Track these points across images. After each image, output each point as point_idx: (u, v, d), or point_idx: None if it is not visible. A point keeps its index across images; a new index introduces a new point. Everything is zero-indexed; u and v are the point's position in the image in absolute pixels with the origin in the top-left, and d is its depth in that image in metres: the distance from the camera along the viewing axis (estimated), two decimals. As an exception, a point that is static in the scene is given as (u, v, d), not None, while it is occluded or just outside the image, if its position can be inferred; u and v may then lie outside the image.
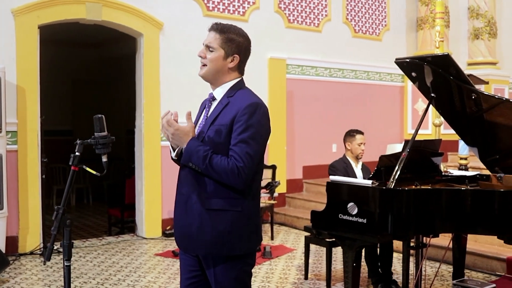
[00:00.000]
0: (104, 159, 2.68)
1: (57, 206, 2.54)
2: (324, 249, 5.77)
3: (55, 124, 11.47)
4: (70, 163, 2.58)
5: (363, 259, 5.10)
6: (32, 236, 6.89)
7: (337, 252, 6.64)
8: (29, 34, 6.93)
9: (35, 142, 6.94)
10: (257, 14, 8.92)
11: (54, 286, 5.59)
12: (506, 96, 10.29)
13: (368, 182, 4.28)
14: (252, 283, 2.90)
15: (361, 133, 5.87)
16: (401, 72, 10.56)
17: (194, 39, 8.02)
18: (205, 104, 2.92)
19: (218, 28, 2.79)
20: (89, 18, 7.35)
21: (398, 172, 4.18)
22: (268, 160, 8.55)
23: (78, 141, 2.62)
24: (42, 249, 6.77)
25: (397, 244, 5.94)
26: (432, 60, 4.28)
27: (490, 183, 4.91)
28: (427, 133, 10.09)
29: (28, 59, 6.91)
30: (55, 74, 11.18)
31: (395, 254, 5.80)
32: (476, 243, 6.33)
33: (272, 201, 7.92)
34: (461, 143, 7.40)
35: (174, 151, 2.83)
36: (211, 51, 2.77)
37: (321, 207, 8.31)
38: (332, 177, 4.60)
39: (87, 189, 11.72)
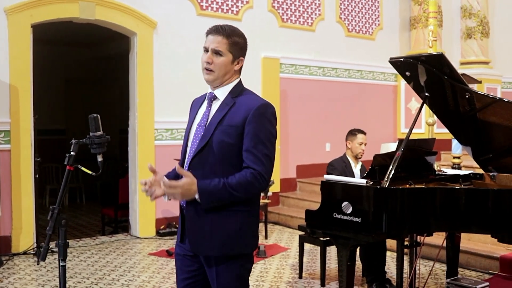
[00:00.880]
0: (100, 158, 2.67)
1: (52, 206, 2.53)
2: (318, 248, 5.78)
3: (48, 123, 11.43)
4: (66, 163, 2.57)
5: (357, 258, 5.13)
6: (25, 236, 6.87)
7: (331, 251, 6.65)
8: (22, 33, 6.90)
9: (28, 142, 6.91)
10: (250, 13, 8.92)
11: (48, 286, 5.57)
12: (499, 95, 10.32)
13: (363, 181, 4.28)
14: (247, 282, 2.91)
15: (363, 133, 5.88)
16: (394, 71, 10.61)
17: (187, 38, 8.03)
18: (200, 103, 2.91)
19: (225, 32, 2.74)
20: (83, 17, 7.33)
21: (393, 171, 4.19)
22: (262, 159, 8.53)
23: (73, 141, 2.60)
24: (35, 249, 6.75)
25: (391, 243, 5.96)
26: (426, 59, 4.29)
27: (484, 182, 4.93)
28: (420, 132, 10.12)
29: (21, 58, 6.88)
30: (48, 73, 11.16)
31: (388, 253, 5.82)
32: (470, 241, 6.35)
33: (266, 200, 7.92)
34: (454, 142, 7.42)
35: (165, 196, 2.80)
36: (219, 56, 2.73)
37: (315, 206, 8.32)
38: (327, 176, 4.61)
39: (80, 189, 11.69)
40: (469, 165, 7.81)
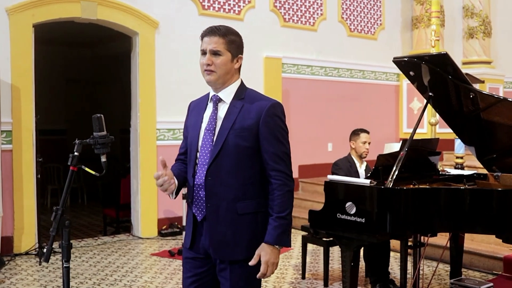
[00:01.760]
0: (103, 159, 2.66)
1: (56, 207, 2.51)
2: (321, 248, 5.76)
3: (49, 123, 11.40)
4: (69, 163, 2.55)
5: (361, 258, 5.11)
6: (27, 237, 6.86)
7: (334, 251, 6.62)
8: (24, 33, 6.88)
9: (30, 142, 6.89)
10: (252, 13, 8.91)
11: (50, 286, 5.55)
12: (501, 95, 10.30)
13: (366, 182, 4.27)
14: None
15: (367, 132, 5.86)
16: (396, 71, 10.69)
17: (189, 38, 8.00)
18: (200, 106, 2.87)
19: (220, 31, 2.73)
20: (84, 17, 7.31)
21: (396, 172, 4.17)
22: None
23: (76, 141, 2.58)
24: (37, 249, 6.73)
25: (394, 243, 5.94)
26: (430, 59, 4.27)
27: (488, 182, 4.91)
28: (422, 132, 10.09)
29: (23, 58, 6.86)
30: (48, 73, 11.13)
31: (392, 253, 5.79)
32: (473, 242, 6.33)
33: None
34: (457, 142, 7.40)
35: (172, 193, 2.82)
36: (218, 56, 2.71)
37: (317, 206, 8.32)
38: (330, 176, 4.59)
39: (81, 189, 11.68)
40: (472, 165, 7.79)
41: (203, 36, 2.76)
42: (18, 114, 6.81)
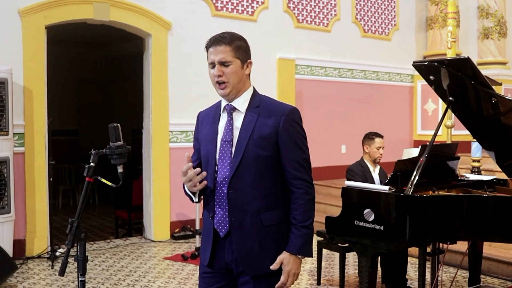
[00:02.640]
0: (120, 169, 2.58)
1: (71, 219, 2.44)
2: (335, 253, 5.68)
3: (61, 124, 11.40)
4: (85, 174, 2.48)
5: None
6: (39, 240, 6.81)
7: (349, 255, 6.53)
8: (36, 35, 6.84)
9: (42, 144, 6.85)
10: (266, 14, 8.82)
11: (62, 291, 5.51)
12: (517, 96, 10.16)
13: (385, 188, 4.19)
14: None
15: (381, 136, 5.76)
16: (410, 72, 10.58)
17: (202, 39, 7.81)
18: (212, 117, 2.77)
19: (225, 39, 2.62)
20: (97, 18, 7.26)
21: (417, 178, 4.08)
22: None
23: (92, 151, 2.51)
24: (49, 252, 6.68)
25: (412, 249, 5.84)
26: (451, 63, 4.17)
27: (508, 188, 4.80)
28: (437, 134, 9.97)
29: (35, 60, 6.82)
30: (60, 74, 11.10)
31: (409, 259, 5.70)
32: (491, 247, 6.22)
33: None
34: (474, 145, 7.27)
35: (194, 196, 2.71)
36: (228, 65, 2.61)
37: (331, 209, 8.29)
38: (348, 182, 4.51)
39: (93, 190, 11.63)
40: (489, 169, 7.68)
41: (208, 47, 2.65)
42: (31, 117, 6.77)
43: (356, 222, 4.22)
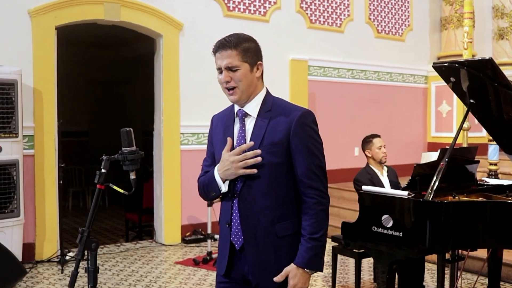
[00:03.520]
0: (132, 176, 2.47)
1: (81, 228, 2.33)
2: (350, 258, 5.55)
3: (71, 125, 11.34)
4: (96, 181, 2.37)
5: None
6: (49, 243, 6.72)
7: (363, 261, 6.38)
8: (46, 36, 6.75)
9: (52, 146, 6.76)
10: (278, 14, 8.70)
11: (72, 297, 5.40)
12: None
13: (404, 193, 4.05)
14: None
15: (378, 136, 5.62)
16: (424, 73, 10.43)
17: (214, 39, 7.72)
18: (225, 120, 2.66)
19: (230, 43, 2.49)
20: (107, 19, 7.16)
21: (437, 183, 3.95)
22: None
23: (104, 157, 2.40)
24: (59, 256, 6.58)
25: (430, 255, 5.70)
26: (472, 64, 4.03)
27: (531, 193, 4.66)
28: (452, 136, 9.82)
29: (45, 61, 6.73)
30: (70, 75, 11.06)
31: (426, 264, 5.56)
32: (510, 253, 6.06)
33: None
34: (491, 148, 7.13)
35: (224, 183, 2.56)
36: (235, 71, 2.49)
37: (344, 212, 8.17)
38: (365, 187, 4.38)
39: (103, 191, 11.46)
40: (506, 172, 7.53)
41: (214, 52, 2.55)
42: (41, 118, 6.68)
43: (374, 228, 4.09)
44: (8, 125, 5.98)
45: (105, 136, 11.33)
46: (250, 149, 2.48)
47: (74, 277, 2.32)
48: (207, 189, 2.62)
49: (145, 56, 9.12)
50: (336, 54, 9.41)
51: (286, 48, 8.73)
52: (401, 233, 3.90)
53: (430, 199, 3.90)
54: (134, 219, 8.32)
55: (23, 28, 6.61)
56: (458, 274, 4.77)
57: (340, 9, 9.47)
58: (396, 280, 5.37)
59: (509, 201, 3.91)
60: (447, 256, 4.78)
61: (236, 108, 2.62)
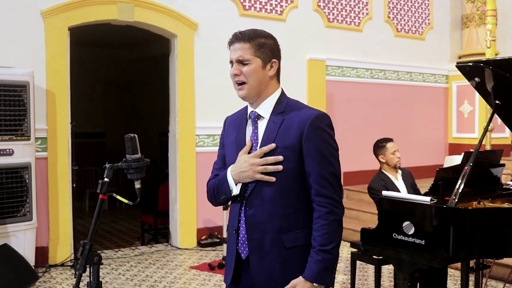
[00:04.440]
0: (137, 185, 2.33)
1: (83, 241, 2.19)
2: (369, 264, 5.38)
3: (88, 126, 11.28)
4: (98, 191, 2.23)
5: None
6: (62, 247, 6.62)
7: (383, 268, 6.20)
8: (59, 37, 6.65)
9: (66, 149, 6.66)
10: (295, 13, 8.53)
11: (84, 303, 5.29)
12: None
13: (426, 199, 3.87)
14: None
15: (391, 140, 5.41)
16: (445, 72, 10.19)
17: (230, 40, 7.67)
18: (239, 122, 2.53)
19: (245, 36, 2.38)
20: (121, 19, 7.05)
21: (461, 188, 3.77)
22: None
23: (107, 165, 2.26)
24: (73, 260, 6.49)
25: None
26: (498, 64, 3.85)
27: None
28: (473, 136, 9.61)
29: (58, 63, 6.63)
30: (86, 76, 11.02)
31: (448, 271, 5.37)
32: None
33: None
34: (516, 150, 6.91)
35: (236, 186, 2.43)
36: (246, 64, 2.37)
37: (363, 216, 7.99)
38: (385, 192, 4.20)
39: (120, 193, 11.38)
40: (531, 174, 7.29)
41: (229, 44, 2.43)
42: (53, 121, 6.58)
43: (395, 235, 3.92)
44: (20, 127, 5.89)
45: (122, 136, 11.21)
46: (270, 153, 2.34)
47: (76, 292, 2.18)
48: (217, 191, 2.49)
49: (160, 56, 9.00)
50: (355, 53, 9.22)
51: (303, 47, 8.56)
52: (423, 241, 3.73)
53: (453, 205, 3.72)
54: (150, 221, 8.22)
55: (35, 29, 6.51)
56: (483, 282, 4.57)
57: (359, 7, 9.28)
58: None
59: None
60: (471, 263, 4.59)
61: (249, 109, 2.49)
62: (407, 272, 3.95)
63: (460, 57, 10.20)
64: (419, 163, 9.35)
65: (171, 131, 7.67)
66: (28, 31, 6.47)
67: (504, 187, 4.68)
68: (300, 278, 2.31)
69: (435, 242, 3.69)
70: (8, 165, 5.79)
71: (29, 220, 5.98)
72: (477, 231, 3.64)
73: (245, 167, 2.34)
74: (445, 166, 4.39)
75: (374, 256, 5.15)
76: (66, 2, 6.66)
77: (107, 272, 6.27)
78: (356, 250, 5.43)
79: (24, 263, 5.57)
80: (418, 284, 4.98)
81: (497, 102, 4.13)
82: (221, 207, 6.50)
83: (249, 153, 2.39)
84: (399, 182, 5.30)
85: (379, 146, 5.39)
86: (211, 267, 6.42)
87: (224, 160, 2.55)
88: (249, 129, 2.47)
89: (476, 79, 4.04)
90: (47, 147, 6.54)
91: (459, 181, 3.83)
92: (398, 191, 5.16)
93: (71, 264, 6.48)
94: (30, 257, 5.92)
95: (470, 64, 4.00)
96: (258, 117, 2.44)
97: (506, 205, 4.11)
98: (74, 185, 6.56)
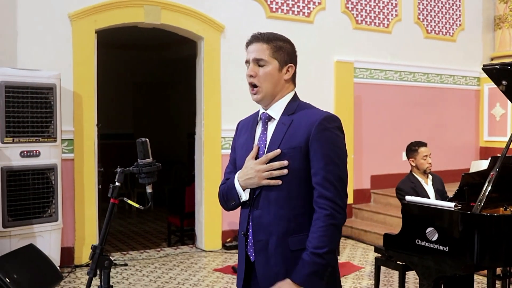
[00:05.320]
0: (149, 189, 2.31)
1: (93, 244, 2.18)
2: (393, 270, 5.29)
3: (117, 127, 11.36)
4: (109, 195, 2.22)
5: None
6: (88, 248, 6.66)
7: (409, 273, 6.10)
8: (86, 39, 6.70)
9: (92, 150, 6.71)
10: (323, 15, 8.46)
11: (107, 304, 5.31)
12: None
13: (451, 205, 3.79)
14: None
15: (424, 144, 5.30)
16: (476, 74, 10.02)
17: (256, 42, 7.64)
18: (250, 126, 2.51)
19: (264, 37, 2.37)
20: (148, 22, 7.07)
21: (486, 194, 3.68)
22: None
23: (118, 169, 2.25)
24: (98, 261, 6.52)
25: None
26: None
27: None
28: (505, 140, 9.40)
29: (85, 65, 6.68)
30: (116, 78, 11.10)
31: (475, 277, 5.25)
32: None
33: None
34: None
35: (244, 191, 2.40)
36: (262, 66, 2.35)
37: (390, 220, 7.88)
38: (409, 198, 4.13)
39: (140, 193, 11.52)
40: None
41: (247, 45, 2.42)
42: (80, 122, 6.64)
43: (418, 241, 3.86)
44: (46, 129, 5.95)
45: (151, 138, 11.20)
46: (276, 158, 2.31)
47: (85, 297, 2.17)
48: (226, 197, 2.49)
49: (188, 58, 9.03)
50: (383, 55, 9.11)
51: (331, 49, 8.49)
52: (447, 248, 3.66)
53: (479, 211, 3.64)
54: (176, 223, 8.23)
55: (63, 32, 6.57)
56: (510, 291, 4.47)
57: (388, 9, 9.17)
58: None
59: None
60: (498, 271, 4.49)
61: (261, 111, 2.48)
62: (431, 279, 3.87)
63: (492, 59, 10.01)
64: (449, 167, 9.20)
65: (197, 133, 7.68)
66: (56, 34, 6.54)
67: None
68: (287, 280, 2.25)
69: (459, 249, 3.61)
70: (34, 166, 5.86)
71: (55, 221, 6.03)
72: (503, 238, 3.56)
73: (251, 174, 2.32)
74: (471, 171, 4.30)
75: (398, 262, 5.08)
76: (94, 5, 6.71)
77: (131, 273, 6.29)
78: (380, 255, 5.36)
79: (49, 263, 5.62)
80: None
81: (525, 106, 4.03)
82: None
83: (256, 157, 2.36)
84: (428, 186, 5.21)
85: (411, 150, 5.31)
86: (234, 270, 6.39)
87: (235, 164, 2.54)
88: (258, 131, 2.46)
89: (504, 82, 3.95)
90: (74, 148, 6.59)
91: (485, 187, 3.75)
92: (427, 195, 5.08)
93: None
94: (55, 257, 5.98)
95: (497, 66, 3.91)
96: (269, 118, 2.42)
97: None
98: (100, 186, 6.60)
